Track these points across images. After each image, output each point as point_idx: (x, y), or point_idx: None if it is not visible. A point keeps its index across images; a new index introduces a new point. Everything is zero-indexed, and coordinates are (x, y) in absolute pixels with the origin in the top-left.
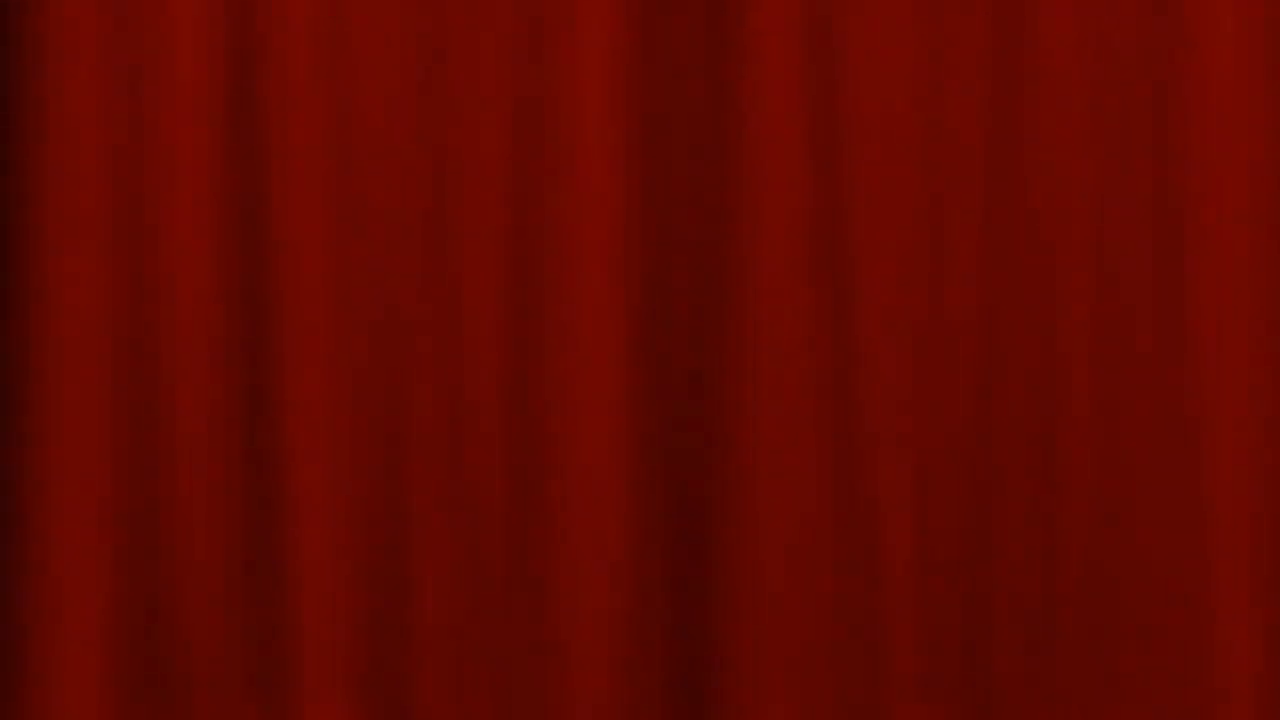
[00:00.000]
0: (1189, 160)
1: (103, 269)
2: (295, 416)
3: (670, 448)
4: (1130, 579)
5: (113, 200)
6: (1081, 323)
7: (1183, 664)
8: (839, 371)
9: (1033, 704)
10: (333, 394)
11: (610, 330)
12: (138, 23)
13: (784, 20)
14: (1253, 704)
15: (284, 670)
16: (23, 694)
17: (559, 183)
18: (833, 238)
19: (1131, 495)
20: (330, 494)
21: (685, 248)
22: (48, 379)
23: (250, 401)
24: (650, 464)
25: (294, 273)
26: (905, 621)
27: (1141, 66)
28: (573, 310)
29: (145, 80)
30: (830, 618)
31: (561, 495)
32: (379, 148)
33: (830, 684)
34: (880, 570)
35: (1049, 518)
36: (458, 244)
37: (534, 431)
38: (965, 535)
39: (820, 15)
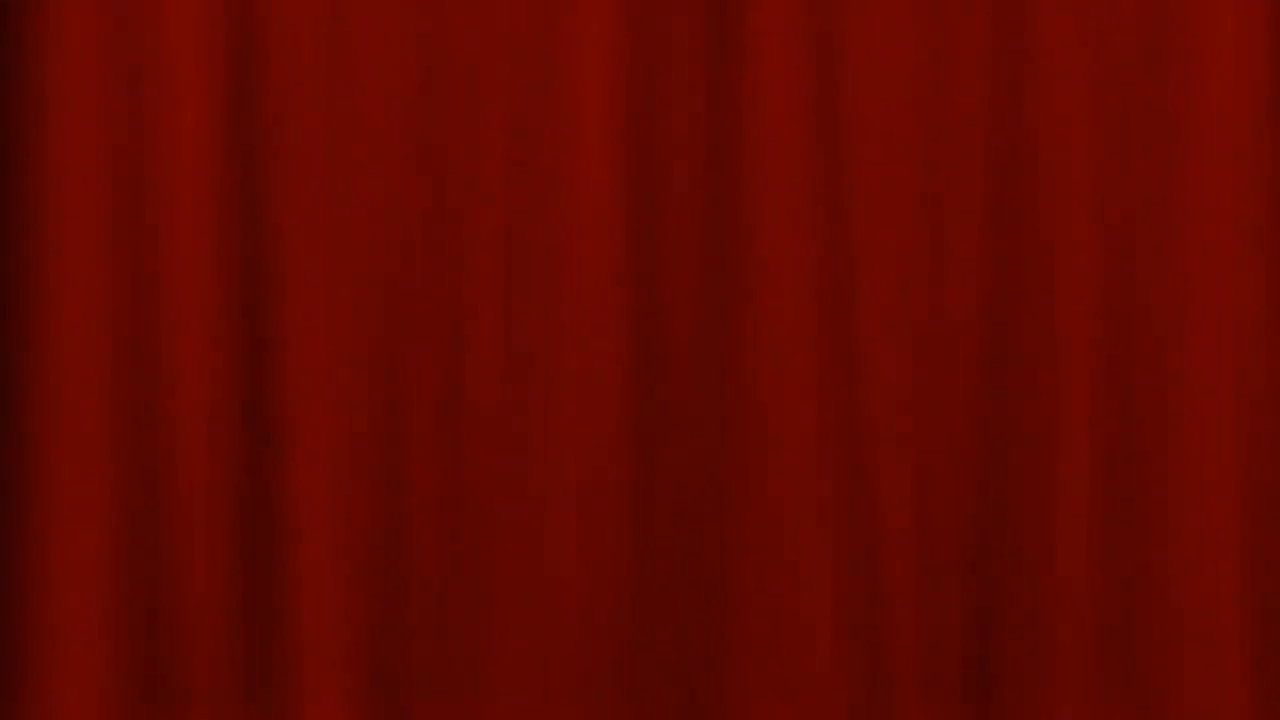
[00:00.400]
0: (1191, 160)
1: (103, 269)
2: (295, 416)
3: (670, 449)
4: (1131, 579)
5: (113, 200)
6: (1082, 322)
7: (1183, 664)
8: (839, 371)
9: (1033, 704)
10: (333, 394)
11: (610, 330)
12: (138, 23)
13: (784, 20)
14: (1251, 704)
15: (284, 671)
16: (22, 694)
17: (558, 183)
18: (833, 238)
19: (1132, 495)
20: (330, 493)
21: (685, 248)
22: (48, 379)
23: (250, 402)
24: (650, 464)
25: (294, 273)
26: (906, 622)
27: (1143, 66)
28: (572, 310)
29: (145, 80)
30: (830, 617)
31: (561, 496)
32: (379, 148)
33: (831, 684)
34: (880, 570)
35: (1049, 517)
36: (458, 244)
37: (534, 432)
38: (965, 535)
39: (820, 15)
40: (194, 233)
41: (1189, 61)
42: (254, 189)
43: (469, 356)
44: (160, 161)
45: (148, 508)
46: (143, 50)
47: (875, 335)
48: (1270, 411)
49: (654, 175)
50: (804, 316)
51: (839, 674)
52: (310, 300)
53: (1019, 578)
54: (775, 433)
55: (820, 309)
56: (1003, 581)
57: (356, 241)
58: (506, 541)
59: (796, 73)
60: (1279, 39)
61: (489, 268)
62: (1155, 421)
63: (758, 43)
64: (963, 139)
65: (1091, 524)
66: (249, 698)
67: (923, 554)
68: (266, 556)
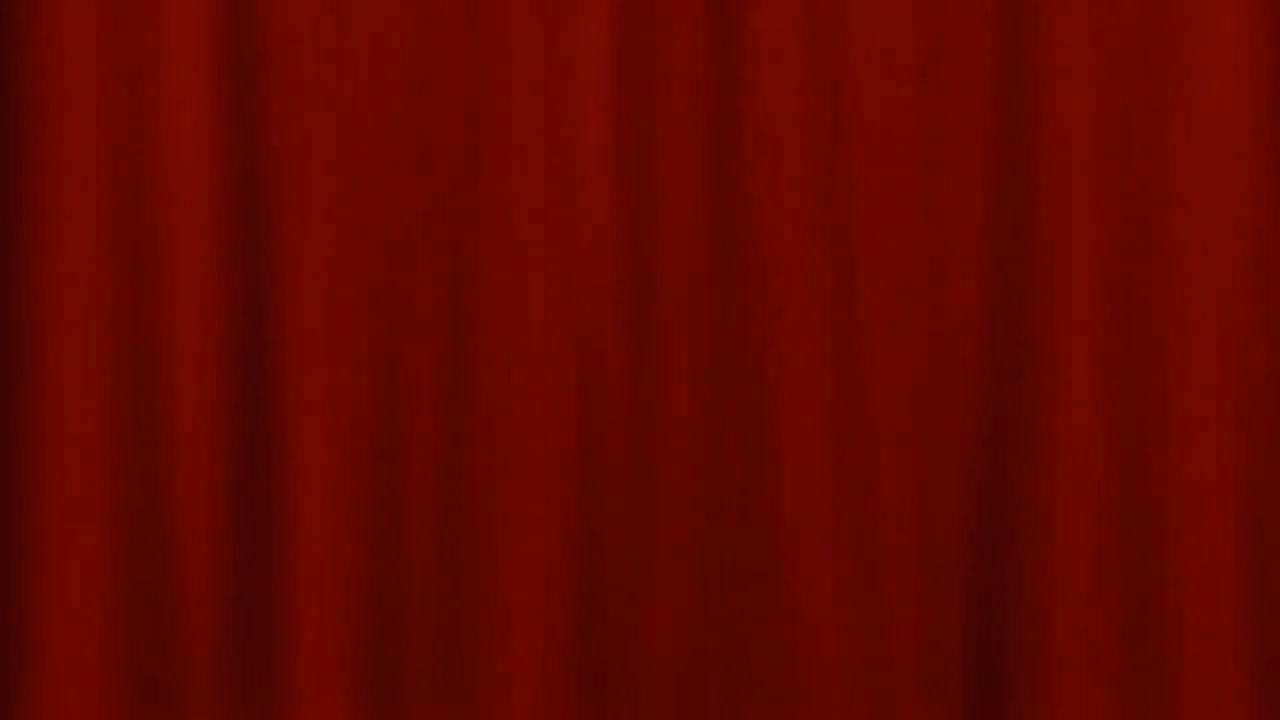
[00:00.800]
0: (1191, 160)
1: (103, 269)
2: (295, 416)
3: (671, 449)
4: (1131, 579)
5: (113, 200)
6: (1083, 322)
7: (1183, 664)
8: (840, 372)
9: (1033, 704)
10: (333, 394)
11: (610, 331)
12: (138, 23)
13: (784, 20)
14: (1251, 704)
15: (283, 671)
16: (21, 694)
17: (558, 184)
18: (833, 238)
19: (1132, 495)
20: (330, 493)
21: (685, 249)
22: (48, 379)
23: (250, 402)
24: (651, 464)
25: (294, 273)
26: (906, 622)
27: (1143, 66)
28: (573, 311)
29: (145, 80)
30: (830, 617)
31: (562, 497)
32: (379, 147)
33: (831, 684)
34: (880, 570)
35: (1049, 518)
36: (457, 243)
37: (534, 432)
38: (965, 535)
39: (820, 15)
40: (194, 233)
41: (1189, 61)
42: (254, 189)
43: (469, 356)
44: (160, 161)
45: (148, 508)
46: (143, 50)
47: (876, 336)
48: (1270, 411)
49: (654, 176)
50: (804, 317)
51: (839, 674)
52: (310, 300)
53: (1019, 578)
54: (775, 432)
55: (820, 309)
56: (1003, 581)
57: (356, 241)
58: (505, 542)
59: (796, 73)
60: (1279, 39)
61: (489, 268)
62: (1155, 422)
63: (758, 42)
64: (963, 139)
65: (1092, 524)
66: (249, 698)
67: (923, 554)
68: (266, 557)
